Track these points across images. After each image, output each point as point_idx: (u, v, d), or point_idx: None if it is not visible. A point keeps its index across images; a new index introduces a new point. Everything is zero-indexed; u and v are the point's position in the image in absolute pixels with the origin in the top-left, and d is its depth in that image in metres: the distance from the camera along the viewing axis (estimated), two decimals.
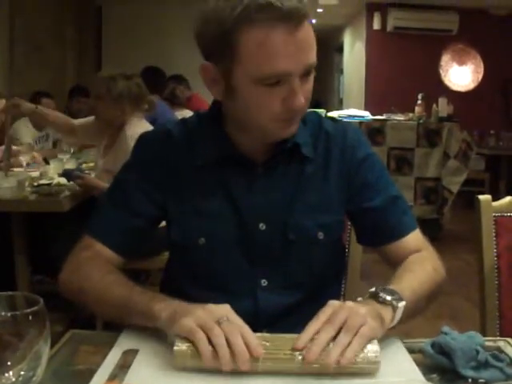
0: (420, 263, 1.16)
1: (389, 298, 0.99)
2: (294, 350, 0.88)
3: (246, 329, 0.91)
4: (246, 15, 0.98)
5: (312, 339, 0.89)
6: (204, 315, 0.91)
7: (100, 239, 1.20)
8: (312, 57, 1.05)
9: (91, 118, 3.19)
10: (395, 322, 0.99)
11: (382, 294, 0.99)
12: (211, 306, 0.94)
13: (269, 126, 1.10)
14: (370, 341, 0.90)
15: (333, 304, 0.94)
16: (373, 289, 1.01)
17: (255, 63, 1.02)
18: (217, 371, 0.87)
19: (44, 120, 3.48)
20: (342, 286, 1.53)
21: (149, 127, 2.82)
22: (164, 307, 0.97)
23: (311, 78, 1.09)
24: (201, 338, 0.88)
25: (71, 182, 2.94)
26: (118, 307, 1.06)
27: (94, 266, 1.15)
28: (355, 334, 0.89)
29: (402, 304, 0.99)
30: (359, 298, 1.02)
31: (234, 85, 1.07)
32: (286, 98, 1.05)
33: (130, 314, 1.03)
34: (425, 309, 1.14)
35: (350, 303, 0.95)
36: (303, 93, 1.06)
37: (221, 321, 0.90)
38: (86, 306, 1.17)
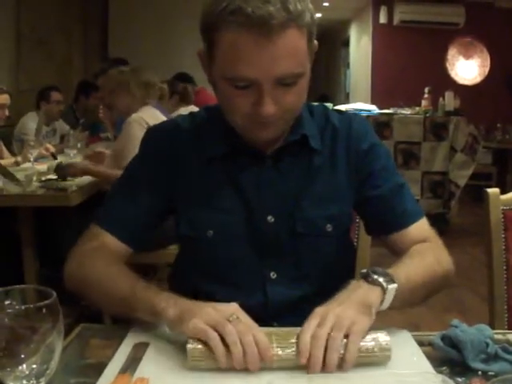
0: (421, 252, 1.15)
1: (379, 279, 0.98)
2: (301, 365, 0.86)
3: (256, 328, 0.90)
4: (223, 15, 0.98)
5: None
6: (214, 314, 0.90)
7: (107, 229, 1.19)
8: (287, 67, 1.01)
9: None
10: (386, 304, 0.98)
11: (372, 275, 0.99)
12: (220, 305, 0.93)
13: (242, 126, 1.11)
14: (376, 332, 0.90)
15: (318, 311, 0.92)
16: (364, 270, 1.01)
17: (224, 64, 1.03)
18: (226, 369, 0.87)
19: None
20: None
21: (159, 116, 2.85)
22: (170, 305, 0.96)
23: (298, 85, 1.05)
24: (214, 337, 0.87)
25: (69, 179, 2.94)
26: (121, 301, 1.05)
27: (99, 256, 1.15)
28: (347, 333, 0.87)
29: (392, 286, 0.98)
30: (353, 281, 1.01)
31: (213, 78, 1.09)
32: (254, 103, 1.04)
33: (135, 309, 1.01)
34: (423, 298, 1.13)
35: (335, 307, 0.92)
36: (280, 100, 1.04)
37: (231, 319, 0.89)
38: (89, 298, 1.17)
